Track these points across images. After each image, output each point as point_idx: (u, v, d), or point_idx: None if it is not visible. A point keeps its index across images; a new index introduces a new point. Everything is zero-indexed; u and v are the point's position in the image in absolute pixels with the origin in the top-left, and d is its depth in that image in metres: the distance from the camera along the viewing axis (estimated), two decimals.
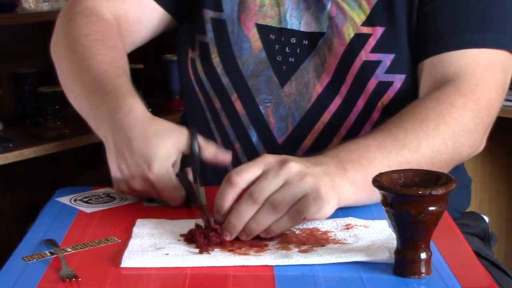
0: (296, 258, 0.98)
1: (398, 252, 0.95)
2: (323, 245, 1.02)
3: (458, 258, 1.01)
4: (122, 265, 0.98)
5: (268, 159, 1.05)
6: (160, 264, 0.98)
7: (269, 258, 0.99)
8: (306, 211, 1.02)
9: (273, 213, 1.02)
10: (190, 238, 1.04)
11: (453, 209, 1.44)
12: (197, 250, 1.01)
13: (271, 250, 1.01)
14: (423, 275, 0.94)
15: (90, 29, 1.34)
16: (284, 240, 1.04)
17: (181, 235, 1.06)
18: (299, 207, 1.02)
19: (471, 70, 1.26)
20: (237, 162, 1.41)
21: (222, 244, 1.02)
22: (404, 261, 0.94)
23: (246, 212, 1.02)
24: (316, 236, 1.05)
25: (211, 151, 1.20)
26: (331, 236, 1.05)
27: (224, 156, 1.21)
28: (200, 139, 1.19)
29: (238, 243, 1.03)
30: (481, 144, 1.27)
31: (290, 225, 1.03)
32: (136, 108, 1.19)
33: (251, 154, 1.39)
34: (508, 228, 2.74)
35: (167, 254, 1.01)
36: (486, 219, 1.55)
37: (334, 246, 1.02)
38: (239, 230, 1.03)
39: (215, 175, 1.44)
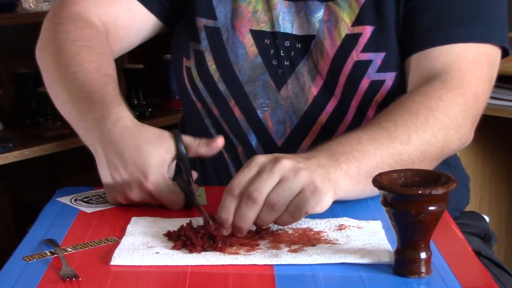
0: (284, 257, 0.98)
1: (398, 252, 0.95)
2: (314, 245, 1.02)
3: (458, 258, 1.01)
4: (112, 263, 0.98)
5: (260, 160, 1.06)
6: (149, 263, 0.98)
7: (258, 257, 0.99)
8: (305, 205, 1.02)
9: (272, 212, 1.03)
10: (176, 238, 1.04)
11: (452, 208, 1.45)
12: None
13: (262, 249, 1.02)
14: (423, 274, 0.94)
15: (78, 35, 1.32)
16: (276, 239, 1.04)
17: (164, 235, 1.06)
18: (298, 202, 1.03)
19: (457, 65, 1.27)
20: (240, 165, 1.41)
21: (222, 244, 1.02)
22: (404, 261, 0.95)
23: (248, 213, 1.02)
24: (308, 236, 1.05)
25: (202, 145, 1.20)
26: (323, 236, 1.05)
27: (217, 143, 1.20)
28: (188, 138, 1.19)
29: (231, 241, 1.03)
30: (469, 137, 1.27)
31: (293, 220, 1.04)
32: (123, 116, 1.18)
33: None
34: (508, 228, 2.74)
35: (158, 252, 1.01)
36: (487, 219, 1.55)
37: (325, 246, 1.02)
38: (247, 230, 1.03)
39: (216, 175, 1.44)
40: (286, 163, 1.04)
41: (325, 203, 1.04)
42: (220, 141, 1.20)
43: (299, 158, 1.06)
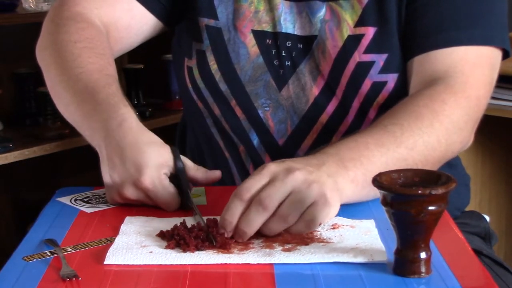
0: (278, 256, 0.99)
1: (398, 251, 0.95)
2: (307, 244, 1.02)
3: (457, 258, 1.01)
4: (106, 262, 0.98)
5: (273, 169, 1.05)
6: (143, 262, 0.98)
7: (251, 256, 0.99)
8: (319, 216, 1.03)
9: (282, 223, 1.03)
10: (169, 237, 1.04)
11: (453, 207, 1.45)
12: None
13: (255, 248, 1.02)
14: (423, 274, 0.94)
15: (80, 36, 1.32)
16: (270, 238, 1.04)
17: (158, 235, 1.06)
18: (311, 213, 1.02)
19: (460, 68, 1.27)
20: (241, 164, 1.42)
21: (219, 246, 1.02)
22: (404, 261, 0.95)
23: (257, 219, 1.02)
24: (302, 235, 1.05)
25: (200, 172, 1.21)
26: (316, 235, 1.05)
27: (215, 175, 1.22)
28: (189, 161, 1.20)
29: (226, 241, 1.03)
30: (470, 140, 1.28)
31: (307, 230, 1.04)
32: (128, 118, 1.19)
33: (254, 156, 1.40)
34: (508, 228, 2.74)
35: (151, 252, 1.01)
36: (487, 218, 1.55)
37: (318, 245, 1.02)
38: (250, 236, 1.03)
39: None
40: (299, 175, 1.04)
41: (333, 214, 1.05)
42: (218, 175, 1.22)
43: (310, 167, 1.06)
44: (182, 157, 1.19)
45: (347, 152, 1.12)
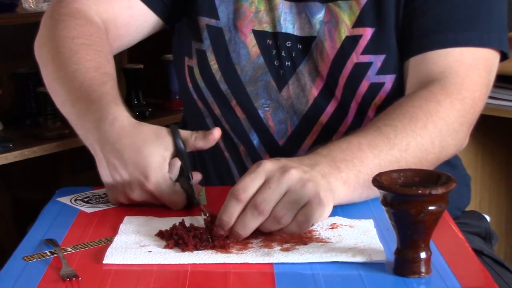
0: (276, 256, 0.99)
1: (398, 251, 0.95)
2: (306, 244, 1.03)
3: (457, 258, 1.01)
4: (105, 261, 0.99)
5: (268, 167, 1.05)
6: (141, 261, 0.99)
7: (250, 256, 0.99)
8: (312, 216, 1.03)
9: (277, 224, 1.03)
10: (168, 237, 1.04)
11: (454, 207, 1.45)
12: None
13: (254, 248, 1.02)
14: (423, 274, 0.94)
15: (78, 32, 1.32)
16: (268, 238, 1.04)
17: (156, 235, 1.06)
18: (305, 214, 1.03)
19: (455, 69, 1.27)
20: (241, 164, 1.42)
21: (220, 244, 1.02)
22: (404, 261, 0.95)
23: (252, 223, 1.02)
24: (300, 234, 1.05)
25: (199, 138, 1.19)
26: (315, 235, 1.05)
27: (213, 136, 1.20)
28: (185, 133, 1.19)
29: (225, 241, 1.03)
30: (465, 142, 1.28)
31: (300, 231, 1.04)
32: (120, 116, 1.18)
33: (255, 157, 1.40)
34: (509, 228, 2.74)
35: (150, 251, 1.01)
36: (488, 218, 1.55)
37: (317, 245, 1.02)
38: (245, 237, 1.03)
39: (217, 175, 1.45)
40: (294, 173, 1.04)
41: (326, 214, 1.05)
42: (216, 133, 1.20)
43: (305, 167, 1.06)
44: (180, 131, 1.18)
45: (340, 153, 1.12)
